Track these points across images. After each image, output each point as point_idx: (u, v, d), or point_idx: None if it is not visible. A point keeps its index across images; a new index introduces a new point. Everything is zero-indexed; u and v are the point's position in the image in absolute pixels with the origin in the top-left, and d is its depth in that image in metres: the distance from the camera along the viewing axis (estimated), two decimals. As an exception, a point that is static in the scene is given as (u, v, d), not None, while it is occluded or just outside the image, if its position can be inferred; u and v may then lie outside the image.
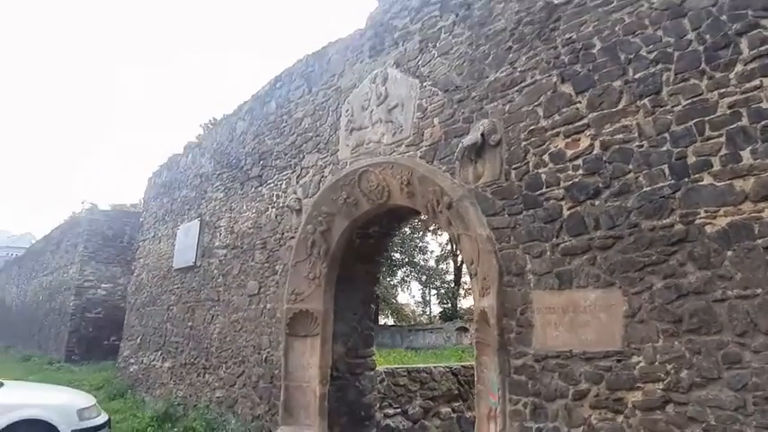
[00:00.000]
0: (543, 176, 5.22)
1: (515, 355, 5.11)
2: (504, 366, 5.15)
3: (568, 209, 4.97)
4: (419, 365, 10.27)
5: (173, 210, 13.37)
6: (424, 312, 37.14)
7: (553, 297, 4.94)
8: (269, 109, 9.94)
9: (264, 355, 8.55)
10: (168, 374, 11.42)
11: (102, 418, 7.83)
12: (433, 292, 37.14)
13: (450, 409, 10.32)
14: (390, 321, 35.88)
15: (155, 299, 13.01)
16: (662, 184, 4.34)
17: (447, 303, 36.23)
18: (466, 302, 36.33)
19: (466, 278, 36.93)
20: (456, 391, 10.55)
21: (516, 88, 5.60)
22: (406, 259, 32.64)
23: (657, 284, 4.26)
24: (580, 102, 5.05)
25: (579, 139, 5.01)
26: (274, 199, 9.21)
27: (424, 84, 6.72)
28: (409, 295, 38.21)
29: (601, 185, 4.74)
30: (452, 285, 35.83)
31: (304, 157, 8.69)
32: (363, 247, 8.38)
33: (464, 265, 37.27)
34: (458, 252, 37.26)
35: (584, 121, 4.98)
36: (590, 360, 4.57)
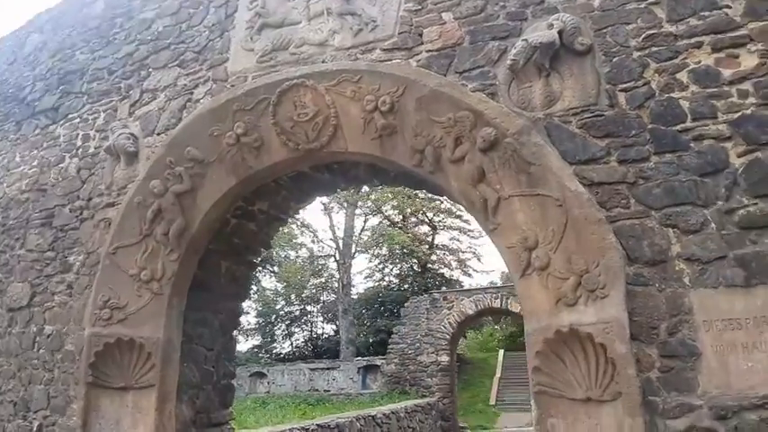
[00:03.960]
0: (684, 104, 3.17)
1: (669, 411, 2.73)
2: (648, 435, 2.70)
3: (741, 155, 3.00)
4: (274, 428, 6.89)
5: None
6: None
7: (735, 300, 2.80)
8: (92, 12, 5.88)
9: (37, 424, 4.39)
10: None
11: None
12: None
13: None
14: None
15: None
16: None
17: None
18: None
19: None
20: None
21: (615, -28, 3.52)
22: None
23: None
24: (729, 6, 3.23)
25: (738, 56, 3.16)
26: (78, 143, 5.27)
27: (419, -38, 4.14)
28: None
29: (807, 118, 2.90)
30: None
31: (150, 75, 5.01)
32: (240, 233, 5.01)
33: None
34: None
35: (742, 32, 3.17)
36: (837, 412, 2.51)
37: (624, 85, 3.33)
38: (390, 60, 3.97)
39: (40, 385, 4.68)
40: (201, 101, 4.55)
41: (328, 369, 18.06)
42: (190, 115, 4.45)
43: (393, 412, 10.90)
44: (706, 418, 2.68)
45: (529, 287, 3.29)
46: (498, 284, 23.43)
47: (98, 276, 4.37)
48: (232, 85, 4.46)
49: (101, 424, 4.17)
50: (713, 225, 2.94)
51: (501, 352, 26.01)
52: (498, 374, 23.64)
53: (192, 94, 4.66)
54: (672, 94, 3.22)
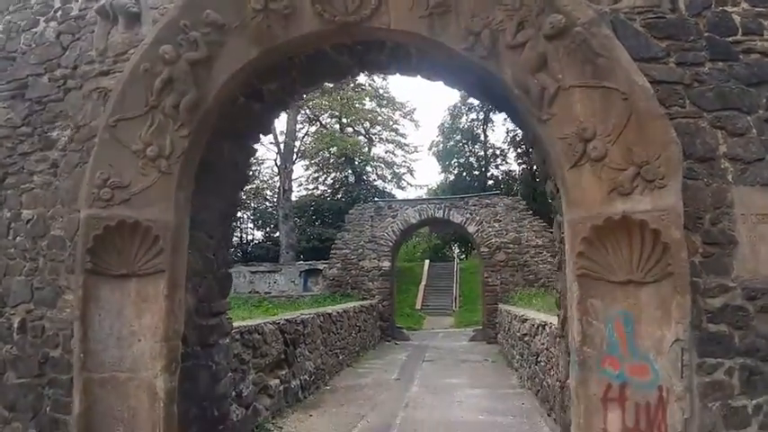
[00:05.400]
0: (737, 18, 3.31)
1: (709, 291, 3.07)
2: (690, 311, 3.03)
3: (784, 69, 3.20)
4: (248, 323, 6.91)
5: None
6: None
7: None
8: None
9: (19, 319, 3.96)
10: None
11: None
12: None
13: (278, 380, 7.40)
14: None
15: None
16: None
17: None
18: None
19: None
20: (283, 356, 7.69)
21: None
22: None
23: None
24: None
25: (789, -22, 3.29)
26: (56, 4, 4.62)
27: None
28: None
29: None
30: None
31: None
32: (245, 113, 4.67)
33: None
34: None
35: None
36: (844, 293, 2.96)
37: (687, -9, 3.37)
38: (445, -68, 3.67)
39: (20, 276, 4.24)
40: (217, -43, 3.98)
41: (270, 272, 18.13)
42: (206, -27, 3.90)
43: (345, 311, 11.39)
44: (739, 298, 3.06)
45: (580, 177, 3.38)
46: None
47: (95, 152, 3.88)
48: (255, -58, 3.92)
49: (101, 315, 3.83)
50: (755, 130, 3.19)
51: (426, 262, 27.51)
52: (424, 282, 25.13)
53: (203, -52, 4.05)
54: (726, 8, 3.36)
